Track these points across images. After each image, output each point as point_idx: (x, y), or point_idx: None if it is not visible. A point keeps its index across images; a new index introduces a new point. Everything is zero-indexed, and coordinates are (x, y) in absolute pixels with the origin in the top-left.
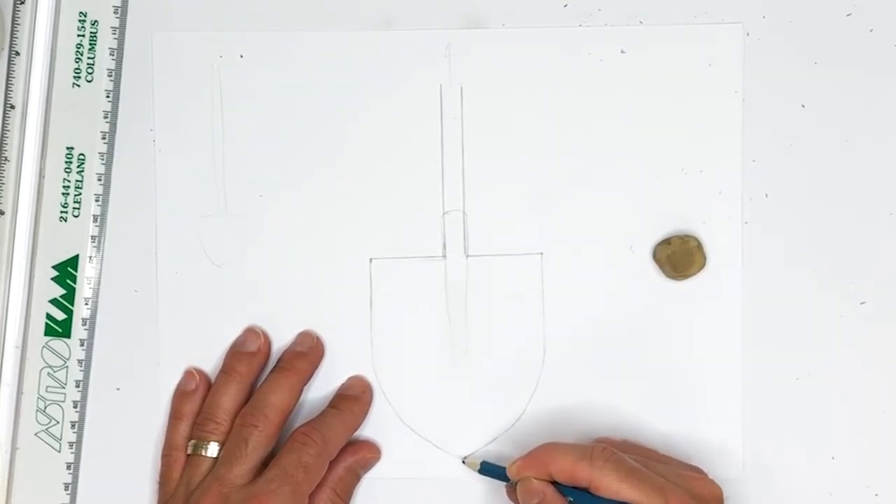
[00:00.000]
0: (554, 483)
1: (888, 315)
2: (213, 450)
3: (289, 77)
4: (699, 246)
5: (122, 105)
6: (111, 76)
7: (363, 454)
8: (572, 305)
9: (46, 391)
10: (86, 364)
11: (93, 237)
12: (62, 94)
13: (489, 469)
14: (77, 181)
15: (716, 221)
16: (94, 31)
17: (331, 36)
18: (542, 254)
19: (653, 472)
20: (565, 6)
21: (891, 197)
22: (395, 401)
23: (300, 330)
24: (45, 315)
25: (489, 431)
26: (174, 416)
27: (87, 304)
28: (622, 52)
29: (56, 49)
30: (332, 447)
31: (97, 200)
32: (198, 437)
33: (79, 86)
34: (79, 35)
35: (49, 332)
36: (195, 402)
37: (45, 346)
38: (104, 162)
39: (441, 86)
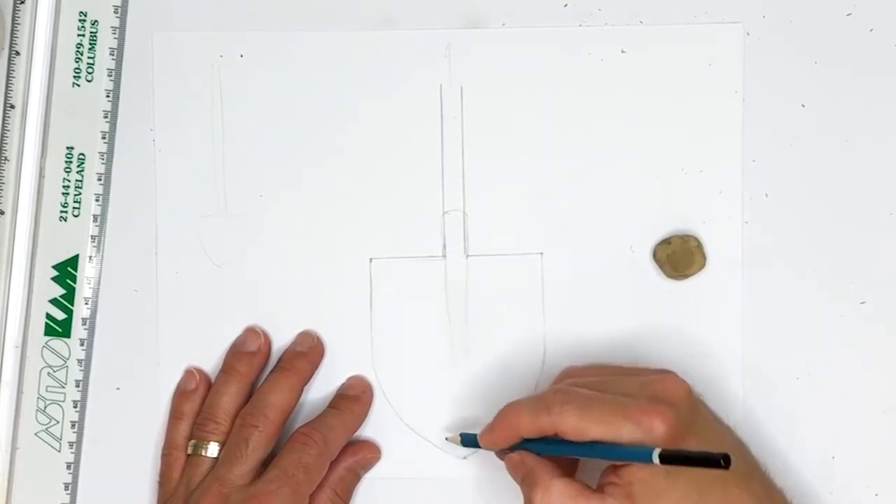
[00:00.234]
0: (533, 441)
1: (888, 315)
2: (213, 450)
3: (289, 77)
4: (699, 246)
5: (122, 105)
6: (111, 76)
7: (363, 454)
8: (572, 305)
9: (46, 391)
10: (86, 364)
11: (93, 237)
12: (62, 94)
13: (469, 439)
14: (77, 181)
15: (716, 221)
16: (94, 30)
17: (331, 36)
18: (542, 254)
19: (615, 390)
20: (565, 6)
21: (891, 197)
22: (395, 401)
23: (300, 330)
24: (45, 315)
25: None
26: (174, 415)
27: (87, 303)
28: (622, 51)
29: (56, 49)
30: (333, 447)
31: (97, 200)
32: (198, 437)
33: (79, 86)
34: (79, 35)
35: (49, 331)
36: (195, 401)
37: (45, 345)
38: (104, 162)
39: (441, 86)
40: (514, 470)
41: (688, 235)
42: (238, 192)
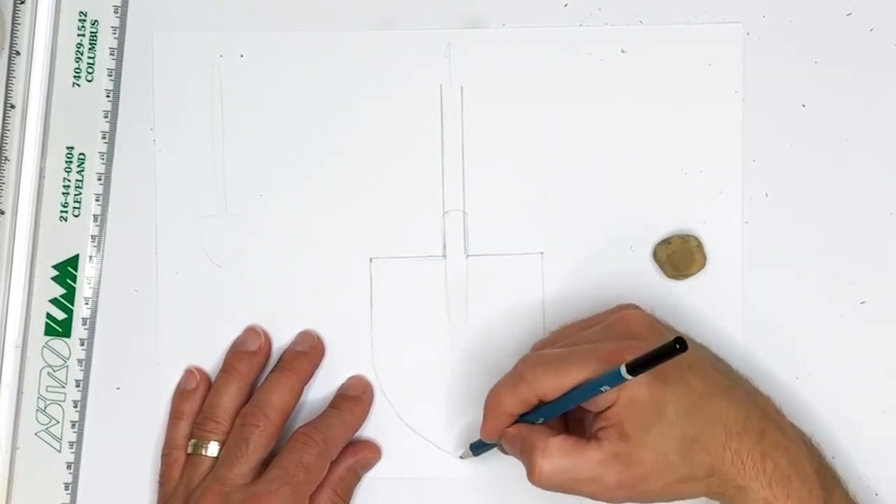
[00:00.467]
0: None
1: (888, 315)
2: (213, 449)
3: (289, 77)
4: (699, 246)
5: (122, 105)
6: (111, 76)
7: (364, 454)
8: (572, 305)
9: (46, 391)
10: (86, 364)
11: (93, 237)
12: (62, 93)
13: (478, 446)
14: (77, 181)
15: (716, 221)
16: (94, 30)
17: (331, 36)
18: (542, 254)
19: (580, 342)
20: (565, 6)
21: (891, 197)
22: (395, 401)
23: (300, 330)
24: (45, 315)
25: None
26: (174, 415)
27: (87, 303)
28: (622, 51)
29: (56, 49)
30: (333, 447)
31: (97, 200)
32: (198, 437)
33: (79, 85)
34: (79, 35)
35: (49, 331)
36: (195, 401)
37: (46, 345)
38: (104, 162)
39: (441, 86)
40: (511, 445)
41: (688, 235)
42: (238, 192)
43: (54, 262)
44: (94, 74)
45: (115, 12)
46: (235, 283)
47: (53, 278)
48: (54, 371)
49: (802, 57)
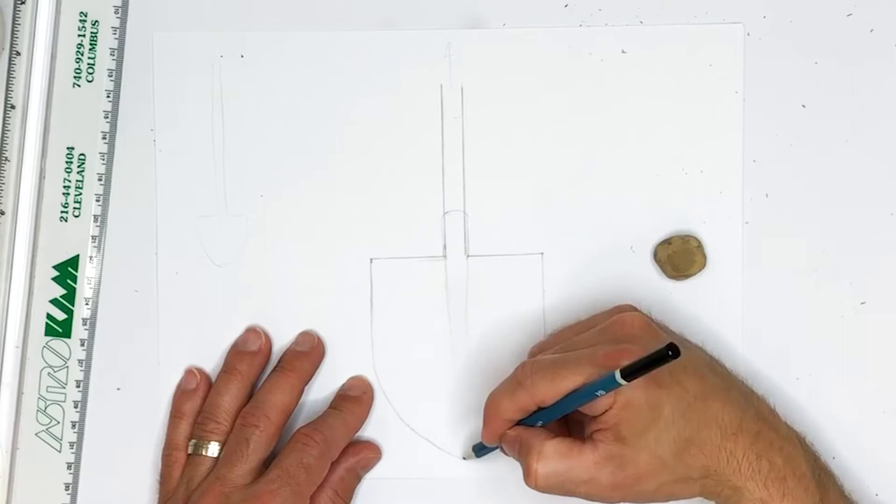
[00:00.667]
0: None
1: (888, 315)
2: (213, 449)
3: (289, 77)
4: (699, 246)
5: (122, 105)
6: (111, 76)
7: (364, 454)
8: (572, 306)
9: (47, 391)
10: (86, 364)
11: (93, 237)
12: (62, 94)
13: (481, 448)
14: (77, 181)
15: (716, 221)
16: (94, 31)
17: (331, 36)
18: (542, 254)
19: (577, 347)
20: (566, 6)
21: (891, 197)
22: (395, 401)
23: (300, 330)
24: (45, 315)
25: None
26: (175, 415)
27: (87, 304)
28: (623, 52)
29: (56, 49)
30: (334, 448)
31: (97, 200)
32: (198, 437)
33: (79, 86)
34: (79, 35)
35: (49, 332)
36: (196, 401)
37: (46, 346)
38: (104, 162)
39: (441, 86)
40: (510, 447)
41: (688, 235)
42: (238, 192)
43: (54, 263)
44: (94, 75)
45: (116, 12)
46: (235, 283)
47: (54, 279)
48: (54, 371)
49: (802, 57)
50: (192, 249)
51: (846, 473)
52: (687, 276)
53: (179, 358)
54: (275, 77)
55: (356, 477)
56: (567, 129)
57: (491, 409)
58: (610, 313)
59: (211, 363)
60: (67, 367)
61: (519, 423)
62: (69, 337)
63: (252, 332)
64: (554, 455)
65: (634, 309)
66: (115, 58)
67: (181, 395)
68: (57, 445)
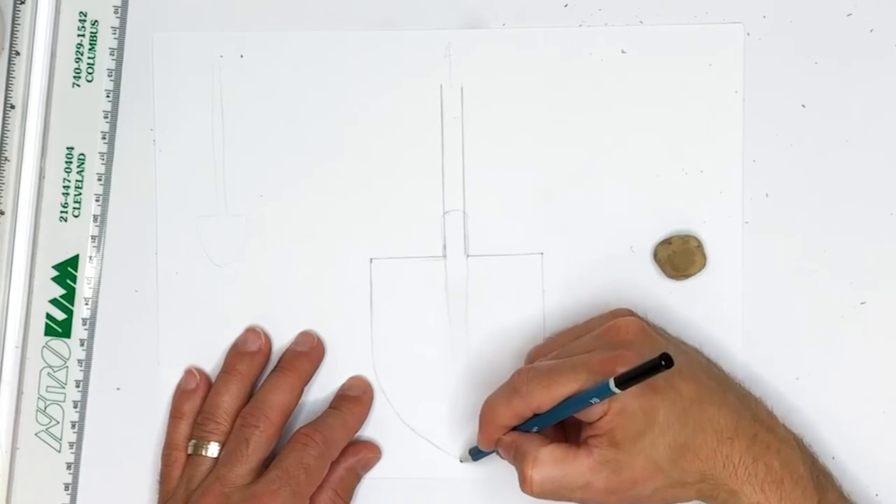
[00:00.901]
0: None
1: (888, 315)
2: (213, 450)
3: (289, 77)
4: (699, 246)
5: (122, 105)
6: (111, 76)
7: (364, 454)
8: (572, 306)
9: (46, 391)
10: (86, 364)
11: (93, 237)
12: (62, 94)
13: (477, 452)
14: (77, 181)
15: (716, 221)
16: (94, 31)
17: (331, 36)
18: (542, 254)
19: (575, 352)
20: (566, 6)
21: (891, 197)
22: (395, 401)
23: (300, 330)
24: (45, 315)
25: None
26: (174, 415)
27: (87, 304)
28: (622, 52)
29: (56, 49)
30: (334, 448)
31: (97, 200)
32: (198, 437)
33: (79, 86)
34: (79, 35)
35: (49, 332)
36: (196, 401)
37: (45, 346)
38: (104, 162)
39: (441, 86)
40: (506, 453)
41: (688, 235)
42: (238, 192)
43: (54, 263)
44: (94, 75)
45: (115, 12)
46: (235, 283)
47: (53, 278)
48: (54, 371)
49: (802, 57)
50: (191, 249)
51: (845, 473)
52: (687, 276)
53: (179, 358)
54: (274, 77)
55: (356, 477)
56: (567, 129)
57: (487, 414)
58: (607, 317)
59: (211, 363)
60: (67, 366)
61: (514, 428)
62: (69, 337)
63: (252, 332)
64: (549, 461)
65: (631, 313)
66: (114, 58)
67: (181, 395)
68: (57, 445)
